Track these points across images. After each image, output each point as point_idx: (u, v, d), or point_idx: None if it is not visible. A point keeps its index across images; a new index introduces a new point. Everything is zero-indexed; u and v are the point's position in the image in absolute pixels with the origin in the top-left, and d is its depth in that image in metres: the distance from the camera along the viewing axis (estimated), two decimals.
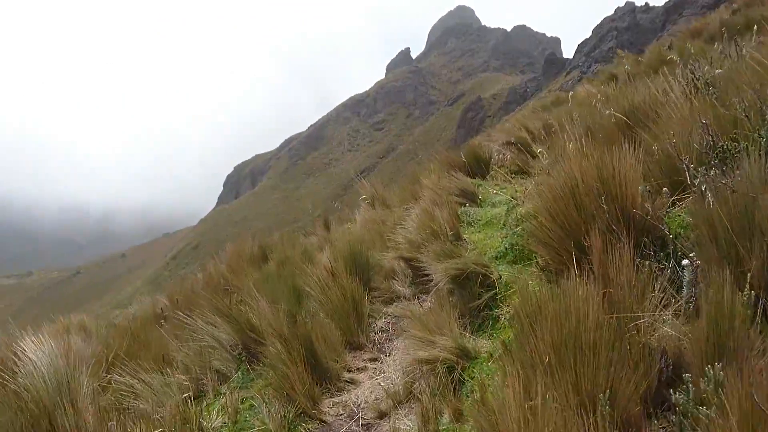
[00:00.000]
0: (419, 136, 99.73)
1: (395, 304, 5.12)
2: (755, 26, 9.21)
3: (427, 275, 4.51)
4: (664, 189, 3.57)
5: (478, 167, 8.34)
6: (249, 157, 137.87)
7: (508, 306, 3.92)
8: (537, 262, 3.87)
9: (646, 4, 77.42)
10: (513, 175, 8.44)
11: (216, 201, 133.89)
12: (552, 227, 3.49)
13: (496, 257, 4.62)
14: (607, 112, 4.89)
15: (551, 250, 3.52)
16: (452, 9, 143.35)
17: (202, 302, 4.95)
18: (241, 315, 4.17)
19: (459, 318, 3.89)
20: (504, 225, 5.64)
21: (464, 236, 5.51)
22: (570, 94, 25.80)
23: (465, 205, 6.53)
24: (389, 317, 4.91)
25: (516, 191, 7.02)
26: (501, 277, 4.19)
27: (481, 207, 6.65)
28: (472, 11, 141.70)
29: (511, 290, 4.03)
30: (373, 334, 4.70)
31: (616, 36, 71.69)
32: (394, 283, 5.34)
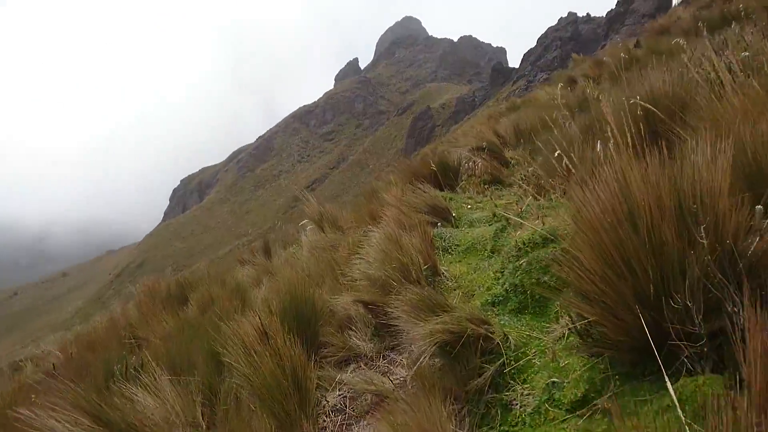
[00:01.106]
0: (369, 146, 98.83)
1: (353, 366, 3.73)
2: (742, 15, 8.23)
3: (395, 327, 3.14)
4: (758, 207, 2.29)
5: (447, 177, 7.06)
6: (196, 170, 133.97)
7: (524, 385, 2.59)
8: (572, 321, 2.54)
9: (588, 14, 79.12)
10: (486, 186, 7.20)
11: (162, 216, 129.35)
12: (601, 271, 2.15)
13: (493, 303, 3.30)
14: (632, 101, 3.64)
15: (603, 309, 2.19)
16: (399, 20, 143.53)
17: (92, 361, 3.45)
18: (118, 413, 2.68)
19: (452, 403, 2.57)
20: (492, 252, 4.31)
21: (442, 268, 4.17)
22: (520, 99, 25.02)
23: (437, 225, 5.21)
24: (345, 388, 3.50)
25: (496, 206, 5.74)
26: (507, 339, 2.85)
27: (457, 227, 5.33)
28: (419, 22, 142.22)
29: (525, 358, 2.71)
30: (324, 417, 3.29)
31: (560, 45, 72.87)
32: (351, 335, 3.93)
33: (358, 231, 5.47)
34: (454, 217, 5.51)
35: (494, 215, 5.42)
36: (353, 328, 4.02)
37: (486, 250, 4.40)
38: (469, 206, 6.09)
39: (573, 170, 3.38)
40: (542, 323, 2.96)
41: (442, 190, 6.87)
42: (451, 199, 6.28)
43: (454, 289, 3.85)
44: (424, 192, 5.78)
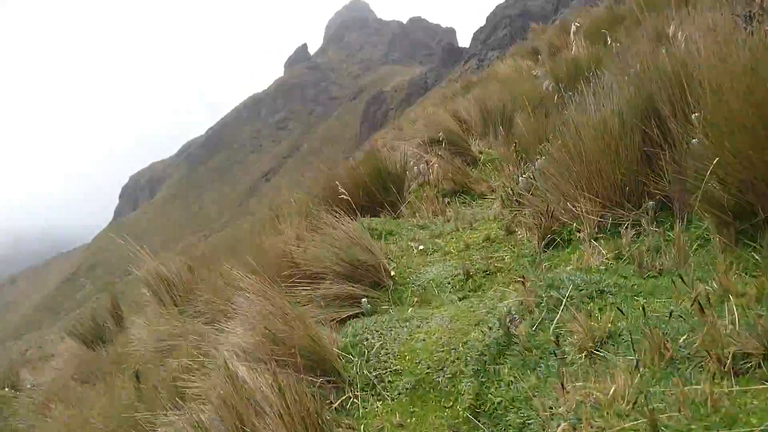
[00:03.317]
0: (323, 133, 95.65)
1: None
2: None
3: None
4: None
5: (385, 191, 4.48)
6: (145, 165, 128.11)
7: None
8: None
9: None
10: (447, 200, 4.66)
11: (113, 215, 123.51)
12: None
13: None
14: None
15: None
16: (347, 3, 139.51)
17: None
18: None
19: None
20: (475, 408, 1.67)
21: None
22: (476, 78, 22.58)
23: (361, 299, 2.65)
24: None
25: (467, 246, 3.21)
26: None
27: (399, 302, 2.77)
28: (367, 5, 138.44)
29: None
30: None
31: (510, 23, 70.92)
32: None
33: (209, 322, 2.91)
34: (393, 278, 2.95)
35: (468, 276, 2.90)
36: None
37: (459, 394, 1.83)
38: (420, 247, 3.54)
39: None
40: None
41: (376, 214, 4.30)
42: (389, 234, 3.72)
43: None
44: (342, 226, 3.19)
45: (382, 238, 3.69)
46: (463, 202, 4.76)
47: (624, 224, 2.62)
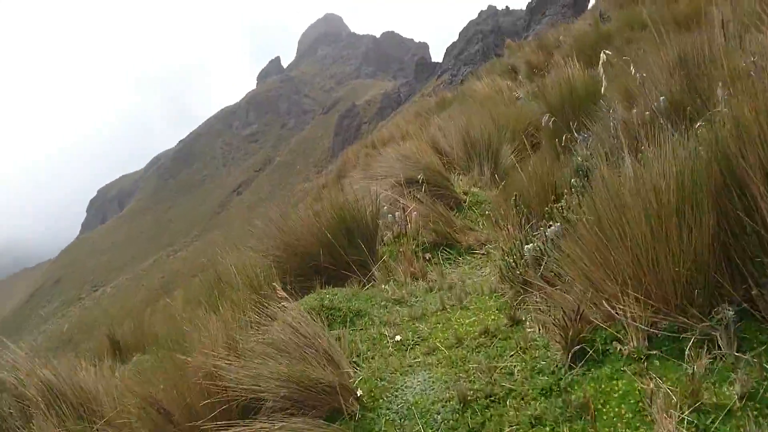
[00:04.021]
0: (296, 147, 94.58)
1: None
2: None
3: None
4: None
5: (353, 247, 3.62)
6: (114, 178, 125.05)
7: None
8: None
9: (507, 7, 78.37)
10: (429, 256, 3.83)
11: (80, 228, 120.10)
12: None
13: None
14: None
15: None
16: (321, 17, 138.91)
17: None
18: None
19: None
20: None
21: None
22: (451, 94, 21.95)
23: None
24: None
25: (459, 341, 2.36)
26: None
27: None
28: (341, 19, 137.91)
29: None
30: None
31: (482, 39, 71.27)
32: None
33: None
34: (359, 400, 2.08)
35: (464, 403, 2.05)
36: None
37: None
38: (397, 337, 2.66)
39: None
40: None
41: (343, 278, 3.44)
42: (357, 315, 2.85)
43: None
44: (289, 318, 2.32)
45: (347, 323, 2.83)
46: (448, 258, 3.92)
47: (687, 337, 1.82)
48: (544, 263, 2.57)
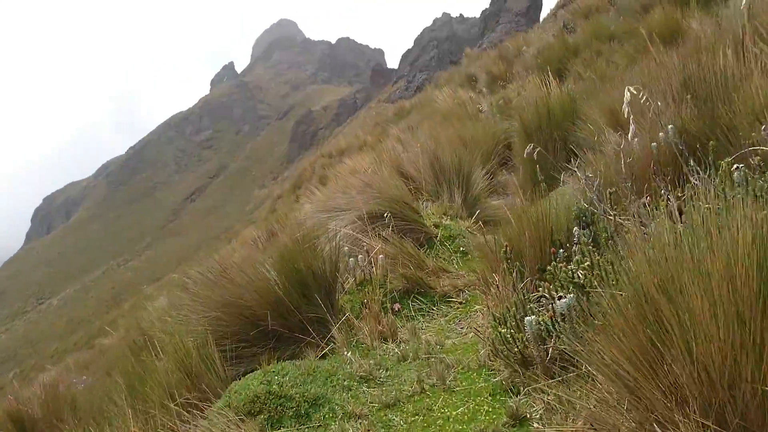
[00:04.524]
0: (251, 153, 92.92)
1: None
2: None
3: None
4: None
5: (308, 303, 3.00)
6: (60, 186, 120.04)
7: None
8: None
9: (461, 15, 79.09)
10: (398, 305, 3.23)
11: (24, 239, 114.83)
12: None
13: None
14: None
15: None
16: (275, 22, 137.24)
17: None
18: None
19: None
20: None
21: None
22: (409, 103, 21.52)
23: None
24: None
25: None
26: None
27: None
28: (295, 24, 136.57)
29: None
30: None
31: (437, 46, 71.62)
32: None
33: None
34: None
35: None
36: None
37: None
38: None
39: None
40: None
41: (296, 343, 2.81)
42: (313, 405, 2.22)
43: None
44: None
45: (300, 416, 2.21)
46: (421, 309, 3.34)
47: None
48: (551, 344, 2.01)
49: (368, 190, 4.02)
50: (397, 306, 3.27)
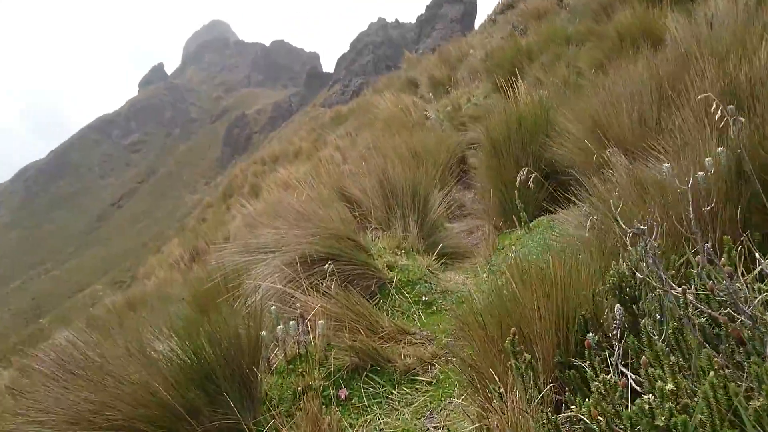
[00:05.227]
0: (182, 157, 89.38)
1: None
2: None
3: None
4: None
5: (215, 405, 2.00)
6: None
7: None
8: None
9: (396, 20, 79.16)
10: (350, 395, 2.28)
11: None
12: None
13: None
14: None
15: None
16: (207, 23, 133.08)
17: None
18: None
19: None
20: None
21: None
22: (346, 107, 20.61)
23: None
24: None
25: None
26: None
27: None
28: (228, 26, 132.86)
29: None
30: None
31: (373, 50, 71.27)
32: None
33: None
34: None
35: None
36: None
37: None
38: None
39: None
40: None
41: None
42: None
43: None
44: None
45: None
46: (376, 394, 2.43)
47: None
48: None
49: (304, 224, 3.08)
50: (343, 393, 2.34)
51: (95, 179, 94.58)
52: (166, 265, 10.99)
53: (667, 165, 2.21)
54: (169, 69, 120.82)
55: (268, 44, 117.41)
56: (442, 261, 3.65)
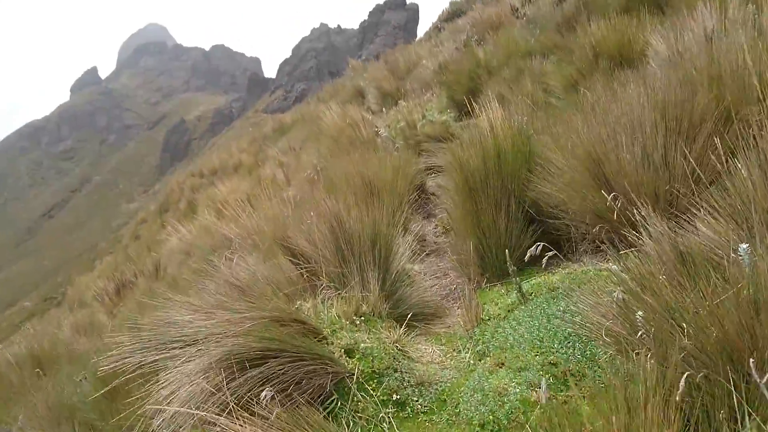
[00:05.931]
0: (118, 164, 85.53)
1: None
2: None
3: None
4: None
5: None
6: None
7: None
8: None
9: (339, 26, 78.57)
10: None
11: None
12: None
13: None
14: None
15: None
16: (143, 26, 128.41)
17: None
18: None
19: None
20: None
21: None
22: (290, 117, 19.67)
23: None
24: None
25: None
26: None
27: None
28: (166, 29, 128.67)
29: None
30: None
31: (316, 56, 70.31)
32: None
33: None
34: None
35: None
36: None
37: None
38: None
39: None
40: None
41: None
42: None
43: None
44: None
45: None
46: None
47: None
48: None
49: (236, 303, 2.28)
50: None
51: (23, 188, 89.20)
52: (89, 295, 9.81)
53: (744, 246, 1.55)
54: (104, 73, 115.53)
55: (207, 48, 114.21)
56: (410, 323, 2.93)
